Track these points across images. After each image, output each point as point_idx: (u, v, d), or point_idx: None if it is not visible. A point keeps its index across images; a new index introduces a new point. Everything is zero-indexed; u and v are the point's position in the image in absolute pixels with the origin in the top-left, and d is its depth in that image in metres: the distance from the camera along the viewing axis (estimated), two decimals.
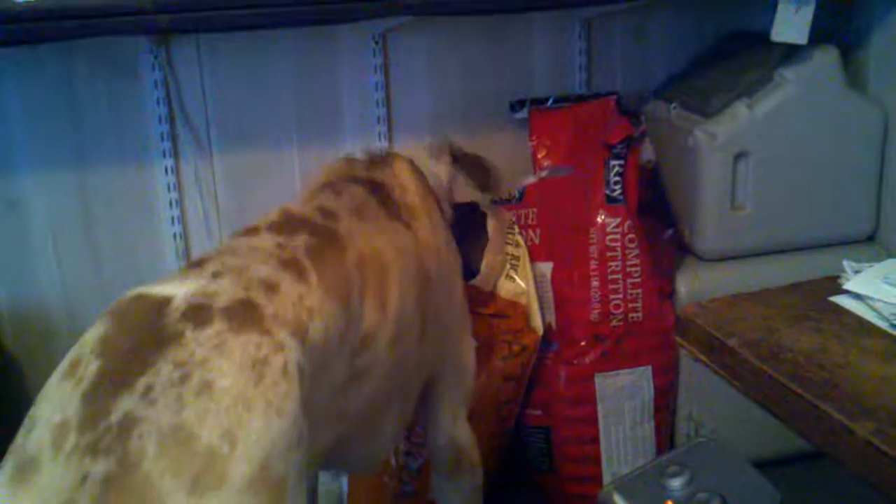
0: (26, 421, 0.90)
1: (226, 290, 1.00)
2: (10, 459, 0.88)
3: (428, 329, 1.38)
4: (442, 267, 1.47)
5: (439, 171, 1.67)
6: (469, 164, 1.74)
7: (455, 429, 1.52)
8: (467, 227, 1.78)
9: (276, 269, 1.08)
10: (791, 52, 1.99)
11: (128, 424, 0.85)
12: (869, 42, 2.11)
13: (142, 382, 0.88)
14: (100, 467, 0.83)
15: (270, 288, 1.04)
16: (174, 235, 2.14)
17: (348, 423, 1.20)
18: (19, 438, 0.89)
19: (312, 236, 1.18)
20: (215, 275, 1.03)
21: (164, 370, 0.89)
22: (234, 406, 0.89)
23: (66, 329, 2.11)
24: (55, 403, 0.89)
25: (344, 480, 1.94)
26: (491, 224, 1.94)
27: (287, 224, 1.20)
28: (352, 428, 1.22)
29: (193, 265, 1.08)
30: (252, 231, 1.18)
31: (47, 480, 0.85)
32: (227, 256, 1.09)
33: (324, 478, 1.90)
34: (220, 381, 0.90)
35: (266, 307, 1.01)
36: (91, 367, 0.91)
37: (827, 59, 2.01)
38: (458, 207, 1.70)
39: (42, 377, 2.02)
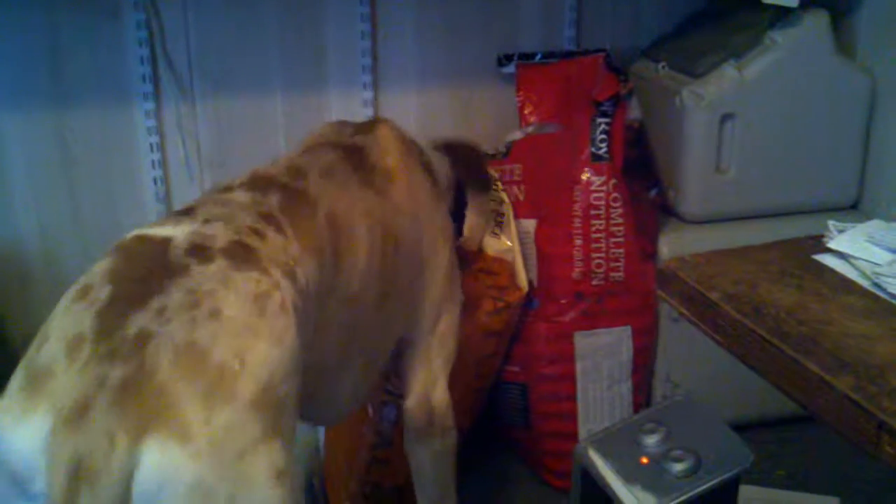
0: (37, 338, 0.92)
1: (221, 233, 1.04)
2: (22, 371, 0.90)
3: (393, 292, 1.38)
4: (419, 233, 1.46)
5: (441, 165, 1.65)
6: (460, 165, 1.72)
7: (432, 393, 1.52)
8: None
9: (258, 220, 1.11)
10: (782, 16, 1.97)
11: (143, 337, 0.89)
12: (860, 8, 2.09)
13: (155, 303, 0.92)
14: (117, 372, 0.86)
15: (259, 234, 1.08)
16: (154, 179, 2.11)
17: (307, 373, 1.21)
18: (31, 353, 0.91)
19: (283, 194, 1.19)
20: (206, 221, 1.07)
21: (175, 295, 0.93)
22: (242, 331, 0.94)
23: (43, 270, 2.08)
24: (69, 320, 0.92)
25: (321, 429, 1.94)
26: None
27: (258, 183, 1.21)
28: (309, 379, 1.22)
29: (182, 213, 1.11)
30: (227, 189, 1.20)
31: (63, 385, 0.87)
32: (211, 206, 1.12)
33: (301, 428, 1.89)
34: (227, 310, 0.94)
35: (260, 249, 1.05)
36: (103, 291, 0.94)
37: (817, 23, 1.99)
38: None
39: (18, 318, 2.00)
